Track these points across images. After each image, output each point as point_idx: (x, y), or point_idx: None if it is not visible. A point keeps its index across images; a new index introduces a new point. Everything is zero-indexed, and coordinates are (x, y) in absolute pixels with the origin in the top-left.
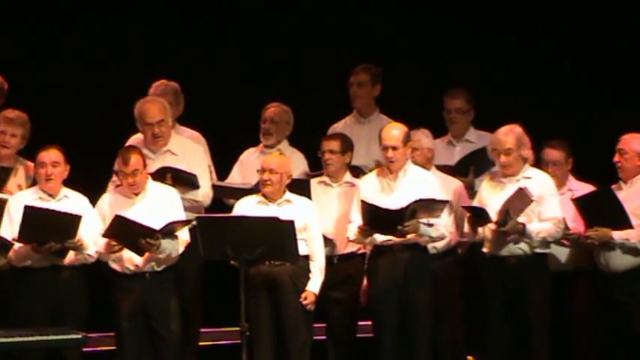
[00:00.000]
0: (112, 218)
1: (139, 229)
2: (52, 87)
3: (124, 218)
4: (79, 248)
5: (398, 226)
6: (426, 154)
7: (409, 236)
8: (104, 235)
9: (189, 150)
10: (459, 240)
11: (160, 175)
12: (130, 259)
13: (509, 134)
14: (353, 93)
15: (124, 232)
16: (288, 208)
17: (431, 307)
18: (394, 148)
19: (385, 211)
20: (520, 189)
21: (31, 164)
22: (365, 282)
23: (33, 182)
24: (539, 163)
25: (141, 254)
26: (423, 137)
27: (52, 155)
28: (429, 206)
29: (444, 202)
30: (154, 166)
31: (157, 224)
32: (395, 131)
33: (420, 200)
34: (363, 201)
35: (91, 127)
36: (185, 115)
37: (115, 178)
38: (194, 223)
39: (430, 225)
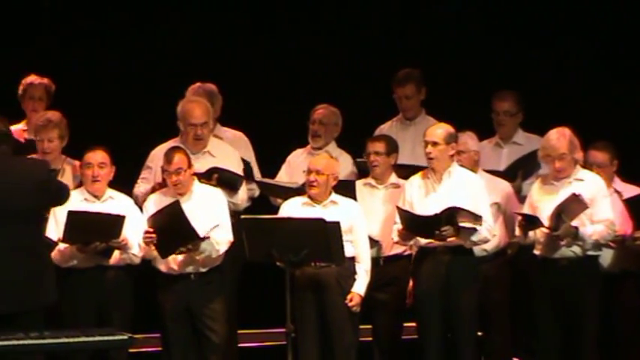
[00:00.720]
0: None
1: (185, 227)
2: (95, 88)
3: (180, 208)
4: (123, 247)
5: (435, 231)
6: (472, 156)
7: (450, 239)
8: (149, 218)
9: (226, 153)
10: (509, 241)
11: (208, 175)
12: (175, 259)
13: (561, 138)
14: (404, 107)
15: (170, 221)
16: (334, 209)
17: (476, 310)
18: (434, 144)
19: (420, 217)
20: (575, 195)
21: (77, 164)
22: (411, 283)
23: (80, 182)
24: (584, 164)
25: (163, 256)
26: (469, 140)
27: (98, 156)
28: (465, 213)
29: (479, 217)
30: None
31: (201, 226)
32: (438, 130)
33: (453, 208)
34: (398, 207)
35: (133, 128)
36: (233, 116)
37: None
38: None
39: (473, 229)
